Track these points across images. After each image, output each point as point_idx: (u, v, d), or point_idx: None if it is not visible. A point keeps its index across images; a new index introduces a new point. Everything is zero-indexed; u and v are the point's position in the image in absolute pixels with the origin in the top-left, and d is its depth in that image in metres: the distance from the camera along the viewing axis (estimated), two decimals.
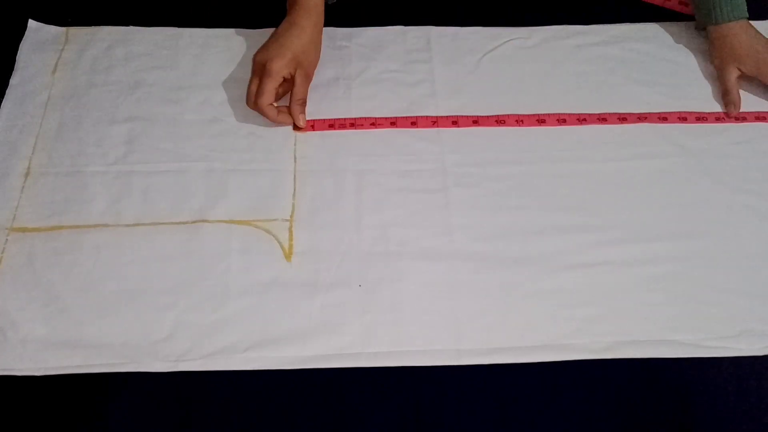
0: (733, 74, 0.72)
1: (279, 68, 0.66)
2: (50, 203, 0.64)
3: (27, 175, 0.66)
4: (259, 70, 0.67)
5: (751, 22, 0.78)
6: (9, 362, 0.55)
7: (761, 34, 0.73)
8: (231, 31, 0.77)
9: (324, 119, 0.70)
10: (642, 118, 0.71)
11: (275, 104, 0.68)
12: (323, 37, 0.73)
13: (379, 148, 0.69)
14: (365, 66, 0.74)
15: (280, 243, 0.62)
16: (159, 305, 0.59)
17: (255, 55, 0.68)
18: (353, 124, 0.70)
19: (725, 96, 0.72)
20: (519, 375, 0.56)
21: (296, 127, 0.69)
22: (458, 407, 0.55)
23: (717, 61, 0.74)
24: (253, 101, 0.67)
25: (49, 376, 0.55)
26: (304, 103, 0.69)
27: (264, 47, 0.68)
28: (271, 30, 0.77)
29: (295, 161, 0.67)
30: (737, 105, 0.72)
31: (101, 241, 0.62)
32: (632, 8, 0.79)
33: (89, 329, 0.57)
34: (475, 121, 0.70)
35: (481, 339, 0.58)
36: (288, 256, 0.62)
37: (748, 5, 0.73)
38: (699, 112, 0.72)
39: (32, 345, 0.56)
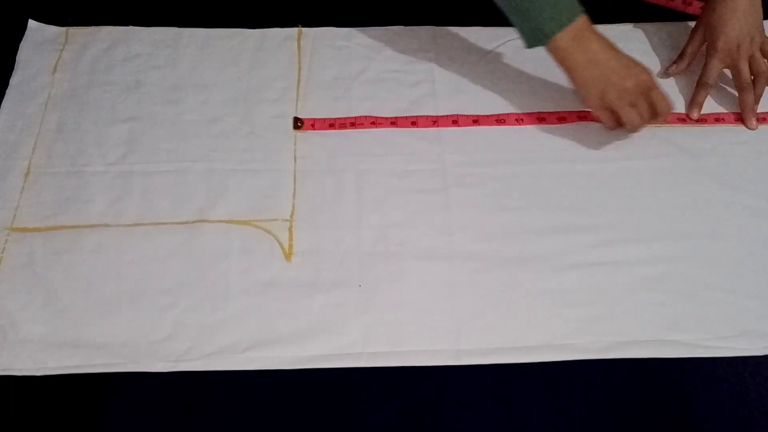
0: (698, 32, 0.72)
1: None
2: (50, 203, 0.64)
3: (27, 175, 0.66)
4: (642, 90, 0.64)
5: None
6: (9, 362, 0.55)
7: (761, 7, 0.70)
8: (231, 31, 0.77)
9: (324, 119, 0.70)
10: None
11: None
12: (324, 37, 0.73)
13: (379, 147, 0.69)
14: (365, 66, 0.74)
15: (280, 243, 0.62)
16: (159, 305, 0.58)
17: (624, 83, 0.64)
18: (353, 123, 0.70)
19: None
20: (519, 375, 0.56)
21: (296, 126, 0.69)
22: (458, 407, 0.55)
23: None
24: (660, 116, 0.66)
25: (48, 376, 0.55)
26: None
27: (623, 72, 0.64)
28: (271, 30, 0.77)
29: (295, 161, 0.67)
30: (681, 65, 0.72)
31: (101, 241, 0.62)
32: (632, 8, 0.79)
33: (89, 329, 0.57)
34: (476, 120, 0.70)
35: (481, 339, 0.58)
36: (288, 256, 0.62)
37: None
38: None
39: (32, 345, 0.56)
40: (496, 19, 0.78)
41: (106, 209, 0.64)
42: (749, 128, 0.70)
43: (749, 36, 0.69)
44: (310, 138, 0.69)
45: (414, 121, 0.70)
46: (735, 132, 0.70)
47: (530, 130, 0.70)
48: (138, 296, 0.59)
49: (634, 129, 0.67)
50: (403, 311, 0.59)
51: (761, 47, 0.70)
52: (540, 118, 0.71)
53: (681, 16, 0.80)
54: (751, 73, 0.70)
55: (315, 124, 0.70)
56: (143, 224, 0.63)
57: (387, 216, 0.64)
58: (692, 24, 0.78)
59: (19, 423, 0.54)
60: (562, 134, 0.70)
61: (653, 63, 0.75)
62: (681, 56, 0.73)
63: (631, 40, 0.77)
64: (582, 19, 0.64)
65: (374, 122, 0.70)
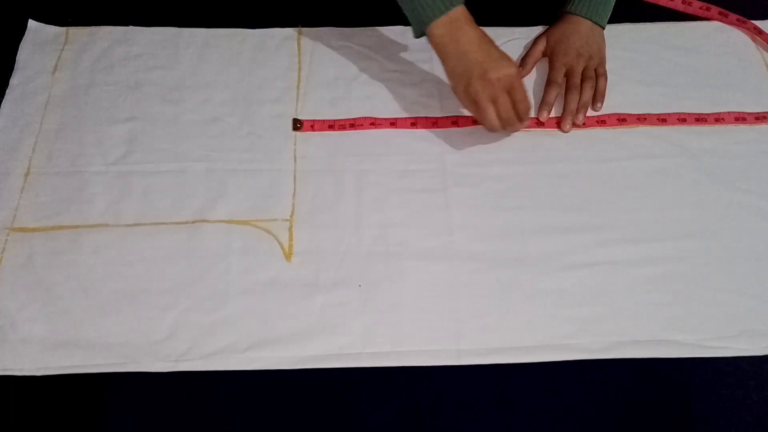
0: (541, 43, 0.75)
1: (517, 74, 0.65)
2: (50, 203, 0.64)
3: (27, 175, 0.66)
4: (505, 85, 0.64)
5: (754, 22, 0.78)
6: (9, 362, 0.55)
7: (602, 39, 0.74)
8: (231, 31, 0.77)
9: (324, 120, 0.70)
10: (641, 119, 0.71)
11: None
12: (324, 37, 0.73)
13: (379, 147, 0.69)
14: (365, 66, 0.74)
15: (280, 243, 0.62)
16: (159, 305, 0.59)
17: (488, 75, 0.63)
18: (353, 125, 0.70)
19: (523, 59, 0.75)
20: (519, 375, 0.56)
21: (295, 128, 0.69)
22: (458, 407, 0.55)
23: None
24: (520, 116, 0.65)
25: (48, 376, 0.55)
26: None
27: (490, 65, 0.63)
28: (271, 30, 0.77)
29: (295, 161, 0.67)
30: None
31: (101, 241, 0.62)
32: (632, 8, 0.79)
33: (89, 329, 0.57)
34: (475, 121, 0.70)
35: (481, 339, 0.58)
36: (288, 256, 0.62)
37: (748, 6, 0.73)
38: (698, 113, 0.71)
39: (32, 345, 0.56)
40: (496, 19, 0.78)
41: (106, 209, 0.64)
42: (563, 131, 0.70)
43: (588, 51, 0.73)
44: (310, 138, 0.69)
45: (414, 122, 0.70)
46: (735, 132, 0.70)
47: (530, 130, 0.70)
48: (138, 296, 0.59)
49: (492, 127, 0.66)
50: (403, 311, 0.59)
51: (596, 68, 0.73)
52: (539, 122, 0.71)
53: (681, 16, 0.80)
54: (582, 79, 0.71)
55: (314, 125, 0.70)
56: (143, 224, 0.63)
57: (387, 216, 0.64)
58: (693, 24, 0.79)
59: (19, 423, 0.54)
60: (561, 135, 0.70)
61: (654, 63, 0.75)
62: (523, 63, 0.75)
63: (631, 40, 0.77)
64: (460, 9, 0.64)
65: (374, 123, 0.70)
